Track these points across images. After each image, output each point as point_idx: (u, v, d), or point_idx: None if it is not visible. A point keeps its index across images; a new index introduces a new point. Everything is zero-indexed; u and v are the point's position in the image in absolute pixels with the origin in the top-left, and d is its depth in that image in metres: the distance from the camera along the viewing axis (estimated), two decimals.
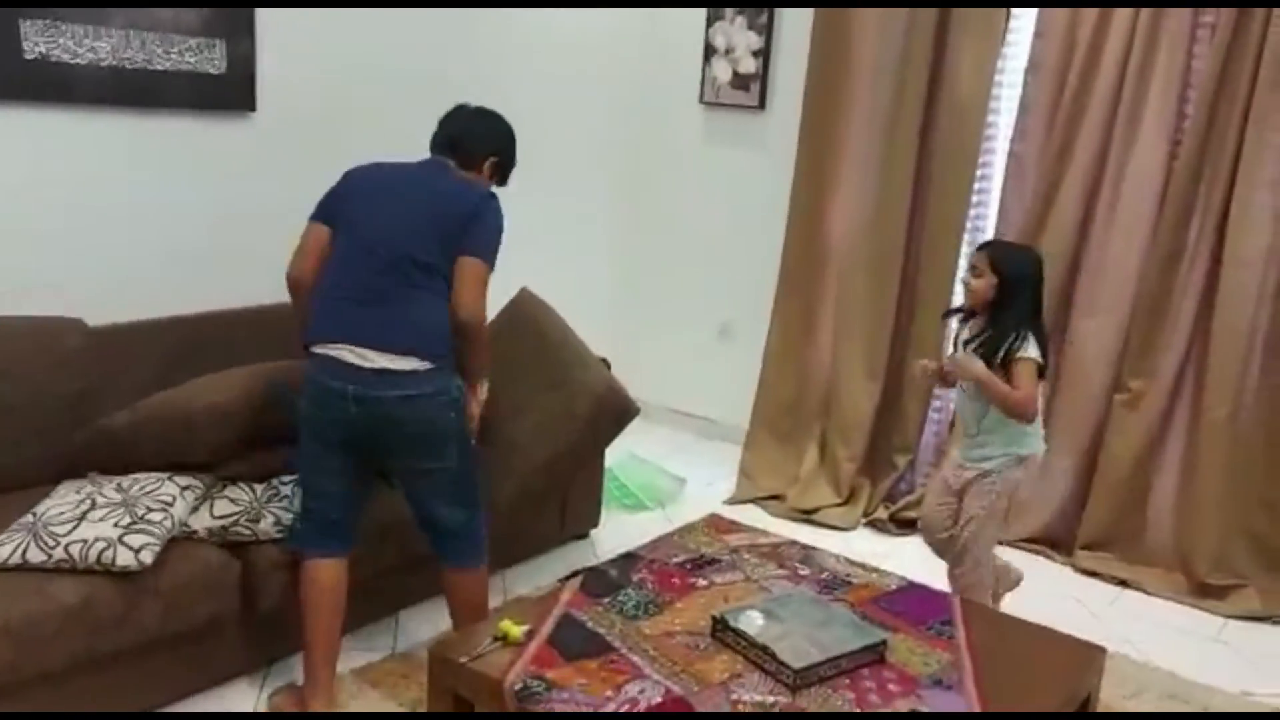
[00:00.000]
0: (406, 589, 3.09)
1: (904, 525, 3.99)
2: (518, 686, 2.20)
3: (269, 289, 3.26)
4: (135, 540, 2.45)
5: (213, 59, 3.28)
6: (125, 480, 2.63)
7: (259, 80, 3.40)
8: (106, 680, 2.39)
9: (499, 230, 2.70)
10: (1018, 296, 2.89)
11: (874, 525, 4.08)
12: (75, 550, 2.37)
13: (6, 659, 2.17)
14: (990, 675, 2.34)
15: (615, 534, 3.74)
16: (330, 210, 2.71)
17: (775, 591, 2.65)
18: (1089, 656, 2.54)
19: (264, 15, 3.35)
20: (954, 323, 3.16)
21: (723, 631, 2.40)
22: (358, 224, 2.65)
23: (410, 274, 2.58)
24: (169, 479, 2.67)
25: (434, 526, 2.72)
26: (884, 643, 2.39)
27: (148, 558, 2.43)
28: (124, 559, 2.40)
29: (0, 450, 2.65)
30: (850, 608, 2.60)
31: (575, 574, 3.24)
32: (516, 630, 2.39)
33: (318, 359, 2.57)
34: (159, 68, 3.16)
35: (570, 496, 3.56)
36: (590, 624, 2.47)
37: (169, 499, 2.62)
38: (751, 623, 2.40)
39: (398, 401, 2.54)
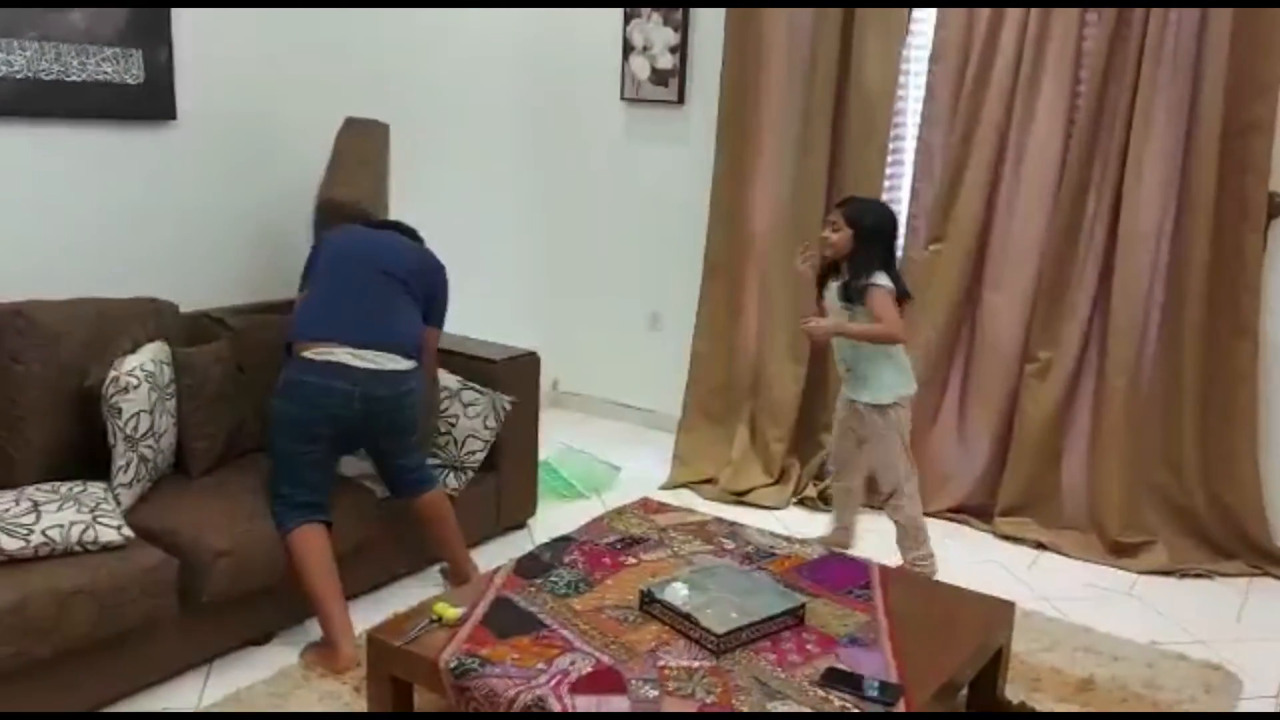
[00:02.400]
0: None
1: (830, 501, 4.11)
2: (453, 664, 2.27)
3: (191, 297, 3.33)
4: (109, 520, 2.56)
5: (130, 69, 3.30)
6: (30, 488, 2.66)
7: (178, 89, 3.43)
8: (37, 684, 2.41)
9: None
10: (872, 244, 3.19)
11: (804, 503, 4.20)
12: (56, 534, 2.46)
13: None
14: (904, 633, 2.46)
15: (552, 523, 3.81)
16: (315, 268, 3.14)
17: (700, 564, 2.76)
18: (999, 612, 2.68)
19: (181, 24, 3.38)
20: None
21: (649, 604, 2.50)
22: (344, 249, 3.13)
23: (393, 285, 3.07)
24: (86, 484, 2.71)
25: (402, 474, 3.14)
26: (803, 606, 2.50)
27: (129, 532, 2.58)
28: (107, 535, 2.52)
29: None
30: (773, 576, 2.71)
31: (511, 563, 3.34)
32: (452, 612, 2.47)
33: (307, 362, 2.87)
34: (75, 79, 3.17)
35: (505, 487, 3.63)
36: (523, 604, 2.55)
37: (101, 496, 2.67)
38: (676, 594, 2.50)
39: (395, 398, 2.97)
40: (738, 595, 2.52)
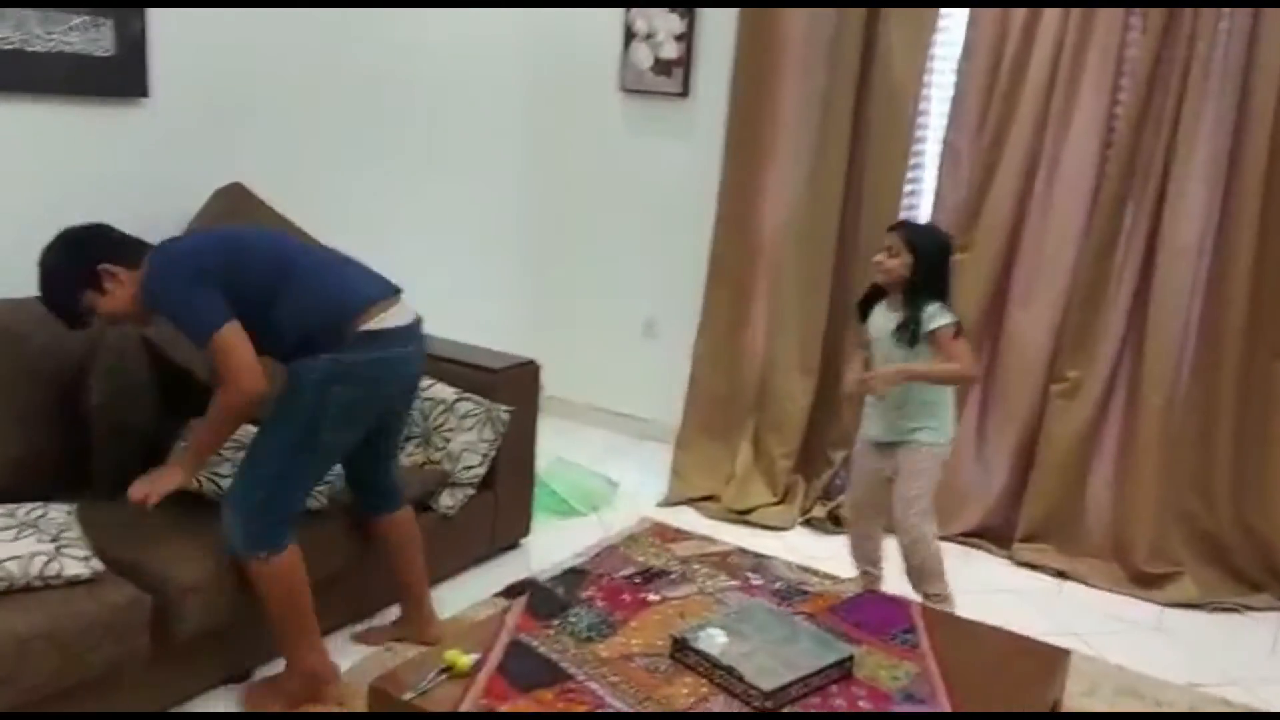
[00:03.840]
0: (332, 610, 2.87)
1: (841, 523, 3.90)
2: None
3: None
4: (76, 552, 2.27)
5: (99, 40, 2.98)
6: None
7: (151, 64, 3.11)
8: None
9: None
10: (934, 273, 2.91)
11: (811, 524, 3.99)
12: (14, 566, 2.16)
13: None
14: (961, 686, 2.25)
15: (548, 542, 3.57)
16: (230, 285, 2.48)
17: (732, 605, 2.53)
18: (1055, 660, 2.48)
19: None
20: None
21: (683, 653, 2.26)
22: (245, 235, 2.70)
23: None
24: (46, 505, 2.41)
25: (385, 479, 2.82)
26: (851, 658, 2.28)
27: (98, 565, 2.29)
28: (73, 569, 2.23)
29: None
30: (810, 619, 2.49)
31: (511, 589, 3.09)
32: (464, 660, 2.21)
33: (371, 335, 2.50)
34: (37, 49, 2.85)
35: (500, 505, 3.37)
36: (541, 649, 2.30)
37: (63, 522, 2.37)
38: (713, 642, 2.26)
39: (423, 358, 2.71)
40: (778, 643, 2.29)
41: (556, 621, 2.41)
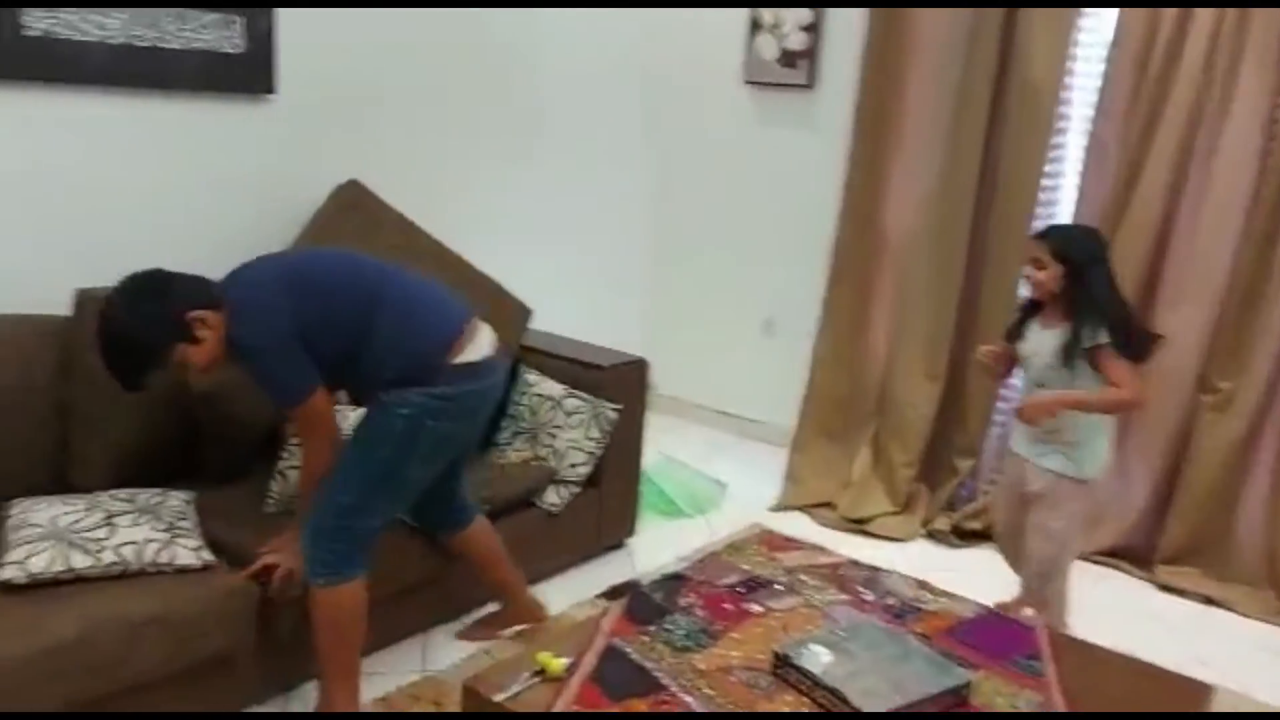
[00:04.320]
0: (429, 608, 2.87)
1: (966, 536, 3.72)
2: None
3: None
4: (188, 542, 2.32)
5: (230, 37, 3.05)
6: (104, 495, 2.41)
7: (279, 60, 3.17)
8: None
9: None
10: (1091, 281, 2.66)
11: (934, 536, 3.80)
12: (129, 552, 2.21)
13: None
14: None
15: (653, 544, 3.50)
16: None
17: (840, 620, 2.40)
18: (1196, 695, 2.28)
19: None
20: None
21: (785, 669, 2.16)
22: (355, 269, 2.48)
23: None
24: (165, 492, 2.46)
25: (453, 500, 2.71)
26: (968, 684, 2.14)
27: (209, 556, 2.32)
28: (185, 558, 2.28)
29: None
30: (925, 640, 2.34)
31: (614, 590, 3.04)
32: (556, 664, 2.16)
33: (465, 368, 2.41)
34: (172, 46, 2.93)
35: (605, 504, 3.31)
36: (636, 656, 2.23)
37: (180, 510, 2.42)
38: (817, 660, 2.15)
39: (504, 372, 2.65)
40: (888, 664, 2.16)
41: (653, 628, 2.34)
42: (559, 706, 2.04)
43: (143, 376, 2.23)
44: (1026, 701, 2.14)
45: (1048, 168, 3.64)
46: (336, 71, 3.34)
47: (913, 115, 3.86)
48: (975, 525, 3.71)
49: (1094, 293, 2.65)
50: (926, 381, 3.86)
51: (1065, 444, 2.76)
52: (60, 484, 2.54)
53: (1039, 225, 3.64)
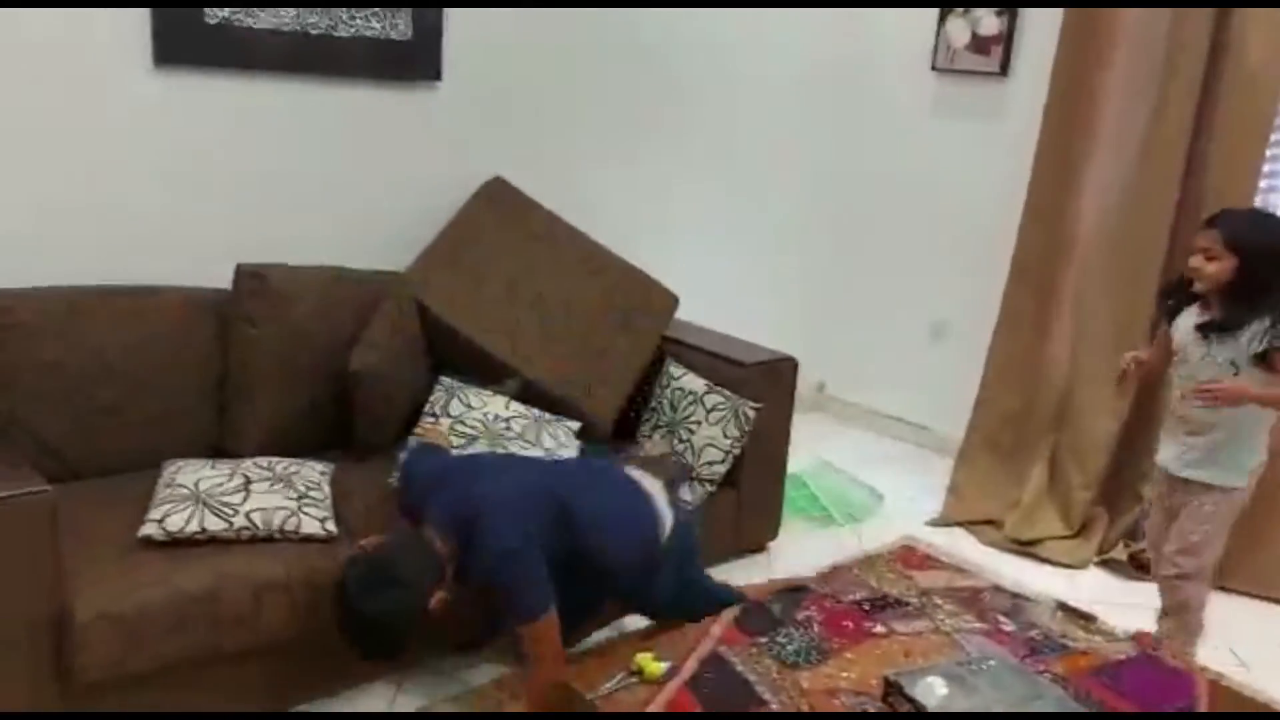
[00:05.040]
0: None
1: (1146, 568, 3.36)
2: None
3: None
4: (315, 511, 2.40)
5: (398, 25, 3.14)
6: (248, 462, 2.52)
7: (446, 48, 3.24)
8: (226, 678, 2.29)
9: None
10: (1270, 276, 2.40)
11: (1109, 565, 3.47)
12: (258, 518, 2.32)
13: (113, 652, 2.08)
14: None
15: (796, 550, 3.36)
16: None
17: (969, 651, 2.23)
18: None
19: None
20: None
21: (895, 697, 2.02)
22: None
23: None
24: (304, 463, 2.56)
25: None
26: None
27: (333, 527, 2.40)
28: (310, 527, 2.36)
29: (137, 430, 2.60)
30: (1062, 681, 2.13)
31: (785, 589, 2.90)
32: (655, 667, 2.11)
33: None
34: (342, 34, 3.04)
35: (744, 506, 3.21)
36: (739, 667, 2.15)
37: (315, 481, 2.52)
38: (931, 692, 2.00)
39: None
40: (1011, 705, 1.98)
41: (764, 639, 2.25)
42: (651, 709, 1.99)
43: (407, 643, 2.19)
44: None
45: (1266, 167, 3.24)
46: (498, 62, 3.38)
47: (1111, 105, 3.53)
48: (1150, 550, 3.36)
49: (1271, 288, 2.40)
50: (1112, 397, 3.52)
51: (1214, 448, 2.52)
52: (216, 450, 2.70)
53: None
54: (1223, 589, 3.15)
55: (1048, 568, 3.44)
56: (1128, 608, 2.99)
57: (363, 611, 2.09)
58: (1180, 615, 2.66)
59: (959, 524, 3.69)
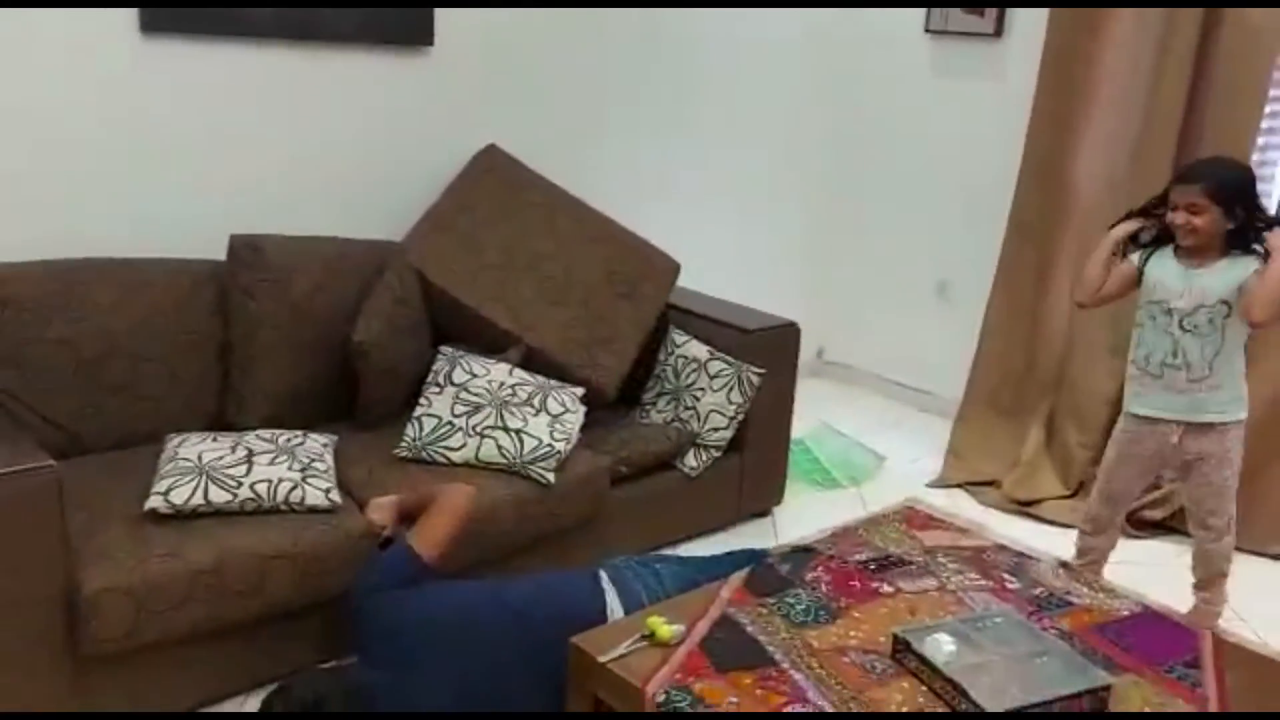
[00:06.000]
0: None
1: (1144, 527, 3.42)
2: (660, 698, 1.92)
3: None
4: (319, 483, 2.40)
5: None
6: (251, 434, 2.52)
7: (437, 13, 3.20)
8: (233, 647, 2.30)
9: None
10: (1250, 219, 2.48)
11: None
12: (262, 489, 2.32)
13: (123, 624, 2.09)
14: None
15: (800, 514, 3.39)
16: None
17: (975, 609, 2.24)
18: None
19: None
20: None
21: (905, 654, 2.03)
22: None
23: None
24: (306, 435, 2.55)
25: None
26: (1108, 688, 1.94)
27: (338, 497, 2.41)
28: (314, 498, 2.37)
29: (143, 405, 2.60)
30: (1068, 637, 2.15)
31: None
32: (666, 630, 2.11)
33: None
34: None
35: (748, 471, 3.22)
36: (750, 628, 2.15)
37: (318, 452, 2.52)
38: (939, 648, 2.01)
39: None
40: (1020, 660, 2.00)
41: (773, 600, 2.25)
42: (663, 672, 2.00)
43: None
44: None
45: (1265, 124, 3.24)
46: (492, 29, 3.35)
47: (1108, 63, 3.52)
48: (1156, 515, 3.39)
49: (1257, 226, 2.48)
50: (1111, 356, 3.54)
51: (1214, 389, 2.58)
52: (218, 423, 2.69)
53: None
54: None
55: (1046, 527, 3.47)
56: (1127, 565, 3.03)
57: None
58: (1223, 574, 2.73)
59: (959, 485, 3.72)
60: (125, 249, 2.67)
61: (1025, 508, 3.56)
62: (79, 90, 2.66)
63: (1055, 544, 3.21)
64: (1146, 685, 2.01)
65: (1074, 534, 3.44)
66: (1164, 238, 2.63)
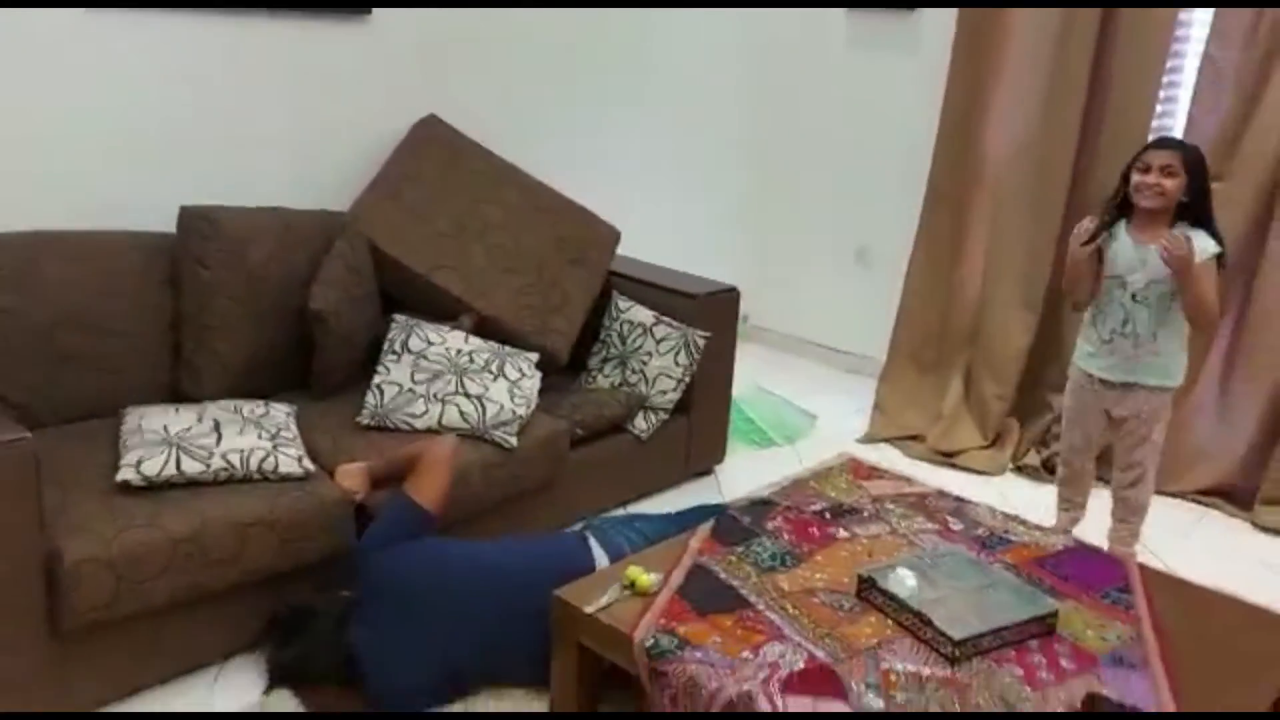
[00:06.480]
0: None
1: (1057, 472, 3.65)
2: (649, 643, 2.02)
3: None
4: (290, 450, 2.42)
5: None
6: (212, 405, 2.52)
7: None
8: (214, 614, 2.31)
9: None
10: (1206, 196, 2.68)
11: (1023, 471, 3.75)
12: (235, 459, 2.31)
13: (104, 595, 2.08)
14: (1178, 654, 2.06)
15: (741, 471, 3.52)
16: None
17: (926, 548, 2.40)
18: None
19: None
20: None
21: (870, 592, 2.18)
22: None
23: None
24: (268, 404, 2.56)
25: None
26: (1055, 613, 2.12)
27: (310, 465, 2.43)
28: (287, 466, 2.37)
29: (97, 377, 2.56)
30: (1012, 570, 2.33)
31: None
32: (646, 579, 2.21)
33: None
34: None
35: (694, 431, 3.34)
36: (723, 574, 2.27)
37: (282, 421, 2.52)
38: (902, 583, 2.16)
39: None
40: (974, 592, 2.16)
41: (740, 549, 2.38)
42: (648, 618, 2.09)
43: None
44: (1117, 634, 2.12)
45: (1162, 93, 3.48)
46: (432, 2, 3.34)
47: (1016, 35, 3.71)
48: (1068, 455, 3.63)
49: (1208, 205, 2.68)
50: (1023, 312, 3.77)
51: (1155, 356, 2.75)
52: (173, 394, 2.67)
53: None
54: None
55: (968, 475, 3.69)
56: (1043, 508, 3.25)
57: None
58: (1139, 517, 2.93)
59: (886, 439, 3.91)
60: (69, 222, 2.61)
61: (949, 458, 3.77)
62: (21, 64, 2.58)
63: (979, 492, 3.42)
64: (1086, 610, 2.21)
65: (992, 480, 3.68)
66: (1116, 218, 2.75)
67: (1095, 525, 3.05)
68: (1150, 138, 3.47)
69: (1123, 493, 2.95)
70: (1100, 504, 3.08)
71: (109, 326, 2.56)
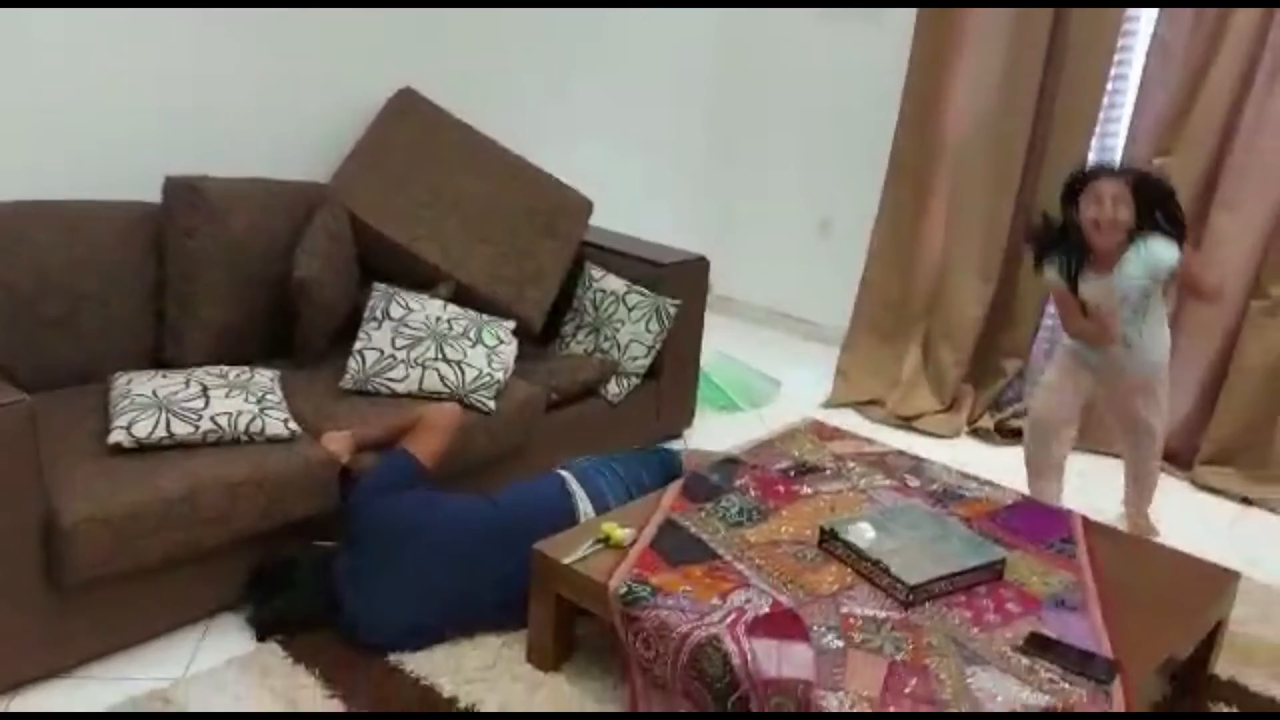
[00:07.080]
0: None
1: (1010, 435, 3.82)
2: (622, 590, 2.15)
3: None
4: (276, 414, 2.50)
5: None
6: (199, 370, 2.60)
7: None
8: (205, 571, 2.40)
9: None
10: (1164, 205, 2.74)
11: (978, 434, 3.91)
12: (223, 421, 2.40)
13: (101, 553, 2.16)
14: (1116, 599, 2.22)
15: (709, 436, 3.65)
16: None
17: (884, 503, 2.55)
18: (1222, 582, 2.40)
19: None
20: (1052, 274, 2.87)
21: (831, 542, 2.32)
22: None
23: None
24: (253, 369, 2.65)
25: None
26: (1003, 560, 2.28)
27: (295, 427, 2.51)
28: (273, 428, 2.46)
29: (81, 344, 2.63)
30: (965, 522, 2.48)
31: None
32: (620, 533, 2.34)
33: None
34: None
35: (664, 396, 3.46)
36: (693, 529, 2.40)
37: (267, 385, 2.60)
38: (861, 535, 2.30)
39: None
40: (928, 542, 2.31)
41: (709, 505, 2.50)
42: (622, 569, 2.22)
43: None
44: (1059, 580, 2.28)
45: (1113, 70, 3.62)
46: None
47: (975, 15, 3.83)
48: (1019, 424, 3.79)
49: (1177, 213, 2.74)
50: (979, 282, 3.92)
51: (1143, 340, 2.86)
52: (156, 361, 2.74)
53: (1102, 129, 3.66)
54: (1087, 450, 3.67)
55: (926, 438, 3.84)
56: (995, 470, 3.38)
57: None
58: (1154, 484, 3.13)
59: (848, 404, 4.05)
60: (47, 192, 2.65)
61: (907, 422, 3.92)
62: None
63: (936, 453, 3.56)
64: (1032, 558, 2.36)
65: (948, 442, 3.84)
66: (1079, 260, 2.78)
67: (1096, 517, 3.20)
68: (1100, 114, 3.62)
69: (1151, 467, 3.11)
70: (1100, 481, 3.20)
71: (93, 294, 2.62)
